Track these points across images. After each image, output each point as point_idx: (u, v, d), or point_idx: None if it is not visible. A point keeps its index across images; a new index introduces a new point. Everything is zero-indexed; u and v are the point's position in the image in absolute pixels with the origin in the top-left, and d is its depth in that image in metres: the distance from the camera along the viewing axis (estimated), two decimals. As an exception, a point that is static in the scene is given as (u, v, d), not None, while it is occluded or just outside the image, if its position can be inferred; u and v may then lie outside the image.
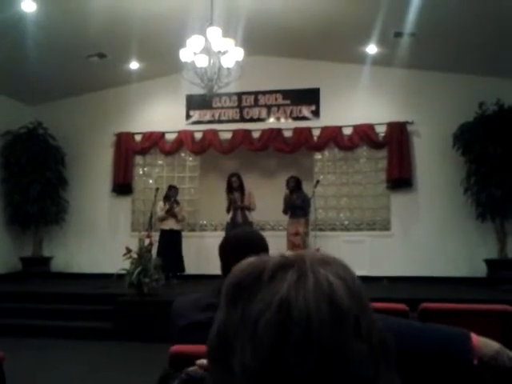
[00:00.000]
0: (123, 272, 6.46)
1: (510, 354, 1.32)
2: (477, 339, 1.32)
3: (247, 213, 7.95)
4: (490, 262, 7.73)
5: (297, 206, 7.76)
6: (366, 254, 8.24)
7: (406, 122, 8.43)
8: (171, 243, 7.93)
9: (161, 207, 8.18)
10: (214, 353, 0.56)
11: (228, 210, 8.03)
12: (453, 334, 1.37)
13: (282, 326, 0.51)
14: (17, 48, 7.08)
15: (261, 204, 8.06)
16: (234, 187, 8.01)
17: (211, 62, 5.98)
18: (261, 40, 7.78)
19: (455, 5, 6.14)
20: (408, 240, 8.26)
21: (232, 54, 5.89)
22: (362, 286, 0.57)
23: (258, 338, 0.52)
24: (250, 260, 0.59)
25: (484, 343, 1.33)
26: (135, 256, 6.53)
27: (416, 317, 2.51)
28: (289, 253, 0.58)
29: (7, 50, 7.12)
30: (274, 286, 0.53)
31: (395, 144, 8.42)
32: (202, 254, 8.38)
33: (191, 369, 1.20)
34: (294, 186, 7.94)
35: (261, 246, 1.91)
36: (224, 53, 5.83)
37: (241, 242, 1.98)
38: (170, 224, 8.10)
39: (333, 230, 8.72)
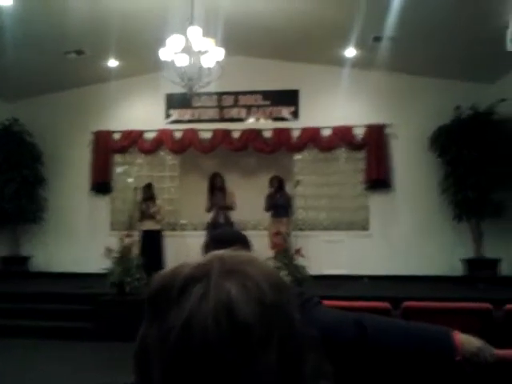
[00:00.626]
0: (105, 271, 6.40)
1: (491, 350, 1.37)
2: (459, 336, 1.36)
3: (228, 213, 7.92)
4: (466, 262, 7.91)
5: (280, 205, 7.78)
6: (346, 254, 8.34)
7: (384, 125, 8.56)
8: (151, 243, 7.88)
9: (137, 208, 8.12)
10: (137, 365, 0.57)
11: (208, 210, 7.99)
12: (436, 332, 1.40)
13: (185, 347, 0.50)
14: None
15: (241, 203, 8.06)
16: (217, 187, 7.97)
17: (191, 61, 5.95)
18: (241, 40, 7.79)
19: (433, 11, 6.24)
20: (386, 240, 8.39)
21: (212, 54, 5.88)
22: (279, 290, 0.55)
23: (166, 358, 0.52)
24: (165, 272, 0.58)
25: (466, 340, 1.37)
26: (116, 255, 6.47)
27: (398, 315, 2.56)
28: (202, 262, 0.57)
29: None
30: (182, 303, 0.52)
31: (373, 146, 8.54)
32: (183, 253, 8.33)
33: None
34: (278, 185, 7.96)
35: (244, 246, 1.92)
36: (204, 52, 5.82)
37: (224, 241, 1.99)
38: (148, 225, 8.04)
39: (312, 229, 8.78)
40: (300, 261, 6.24)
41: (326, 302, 1.74)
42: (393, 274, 7.95)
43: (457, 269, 7.92)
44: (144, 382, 0.56)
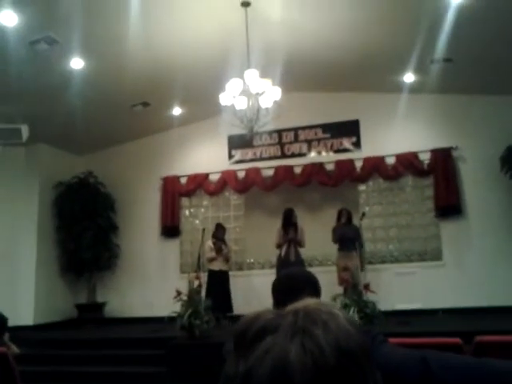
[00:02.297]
0: (174, 315, 6.50)
1: None
2: (535, 374, 1.28)
3: (298, 249, 7.81)
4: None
5: (348, 238, 7.49)
6: (419, 286, 8.00)
7: (451, 148, 8.28)
8: (220, 283, 7.91)
9: (210, 247, 8.17)
10: None
11: (279, 246, 7.82)
12: (509, 370, 1.32)
13: None
14: (66, 102, 7.49)
15: (308, 239, 7.96)
16: (291, 223, 7.79)
17: (250, 103, 6.11)
18: (298, 77, 7.92)
19: (489, 26, 6.09)
20: (461, 269, 7.98)
21: (270, 94, 6.01)
22: (347, 354, 0.53)
23: None
24: (248, 316, 0.59)
25: (543, 378, 1.28)
26: (185, 298, 6.57)
27: (471, 351, 2.40)
28: (279, 313, 0.58)
29: (57, 105, 7.56)
30: (250, 354, 0.53)
31: (441, 171, 8.25)
32: (251, 293, 8.35)
33: None
34: (347, 217, 7.80)
35: (312, 288, 1.92)
36: (262, 93, 5.96)
37: (293, 281, 1.99)
38: (219, 265, 8.07)
39: (383, 262, 8.53)
40: (370, 296, 6.06)
41: (393, 340, 1.69)
42: (470, 306, 7.50)
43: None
44: None
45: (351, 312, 5.61)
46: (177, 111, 8.91)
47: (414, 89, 8.10)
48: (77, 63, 6.61)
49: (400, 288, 7.99)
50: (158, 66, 7.00)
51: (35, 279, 8.64)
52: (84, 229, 9.09)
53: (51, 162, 9.25)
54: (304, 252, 7.97)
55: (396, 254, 8.59)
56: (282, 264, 7.45)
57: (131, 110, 8.35)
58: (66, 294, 9.30)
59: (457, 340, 2.53)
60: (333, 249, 7.94)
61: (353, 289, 6.01)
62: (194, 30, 6.34)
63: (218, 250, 8.06)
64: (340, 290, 7.04)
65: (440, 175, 8.25)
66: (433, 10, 5.81)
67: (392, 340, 1.64)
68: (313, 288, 1.90)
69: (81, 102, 7.45)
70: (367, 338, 1.45)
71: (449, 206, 8.14)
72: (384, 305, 6.38)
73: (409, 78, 7.82)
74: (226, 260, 8.17)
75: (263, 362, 0.52)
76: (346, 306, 5.72)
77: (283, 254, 7.73)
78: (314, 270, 2.10)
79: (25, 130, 7.56)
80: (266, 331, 0.55)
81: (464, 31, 6.11)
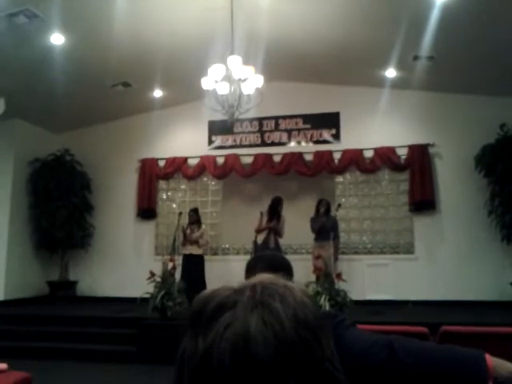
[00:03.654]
0: (147, 296, 6.53)
1: (524, 375, 1.33)
2: (491, 360, 1.34)
3: (278, 238, 7.82)
4: (517, 285, 7.58)
5: (326, 229, 7.53)
6: (390, 278, 8.17)
7: (428, 144, 8.42)
8: (193, 267, 7.92)
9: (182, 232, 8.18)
10: (175, 374, 0.61)
11: (259, 231, 7.78)
12: (467, 355, 1.38)
13: (203, 374, 0.52)
14: (45, 79, 7.35)
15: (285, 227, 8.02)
16: (277, 212, 7.78)
17: (232, 89, 6.10)
18: (280, 66, 7.93)
19: (473, 26, 6.18)
20: (432, 263, 8.17)
21: (252, 81, 6.00)
22: (306, 327, 0.54)
23: (189, 378, 0.54)
24: (204, 294, 0.59)
25: (499, 364, 1.34)
26: (159, 280, 6.59)
27: (437, 340, 2.48)
28: (236, 288, 0.58)
29: (35, 80, 7.41)
30: (208, 331, 0.54)
31: (417, 166, 8.39)
32: (225, 277, 8.38)
33: None
34: (326, 208, 7.86)
35: (286, 271, 1.95)
36: (244, 80, 5.95)
37: (269, 262, 2.02)
38: (189, 249, 8.09)
39: (356, 253, 8.67)
40: (342, 285, 6.17)
41: (363, 327, 1.74)
42: (439, 299, 7.71)
43: (507, 293, 7.56)
44: None
45: (322, 300, 5.70)
46: (158, 93, 8.83)
47: (396, 84, 8.19)
48: (57, 39, 6.48)
49: (372, 279, 8.15)
50: (141, 47, 6.91)
51: (6, 255, 8.54)
52: (58, 207, 8.99)
53: (27, 138, 9.08)
54: (279, 240, 8.02)
55: (369, 246, 8.74)
56: (261, 250, 7.46)
57: (112, 89, 8.24)
58: (38, 270, 9.21)
59: (424, 329, 2.63)
60: (307, 238, 7.99)
61: (325, 277, 6.11)
62: (179, 12, 6.27)
63: (184, 235, 8.04)
64: (313, 278, 7.14)
65: (416, 170, 8.39)
66: (417, 8, 5.87)
67: (362, 327, 1.69)
68: (287, 272, 1.94)
69: (60, 79, 7.31)
70: (332, 320, 1.49)
71: (423, 201, 8.30)
72: (356, 295, 6.50)
73: (391, 73, 7.89)
74: (197, 244, 8.12)
75: (223, 338, 0.52)
76: (317, 294, 5.81)
77: (262, 240, 7.75)
78: (288, 257, 2.14)
79: (1, 104, 7.40)
80: (224, 307, 0.55)
81: (447, 31, 6.20)
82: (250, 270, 2.04)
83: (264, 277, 0.60)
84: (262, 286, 0.57)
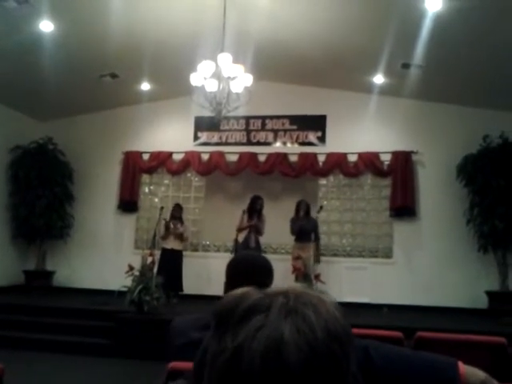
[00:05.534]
0: (125, 289, 6.49)
1: (495, 383, 1.37)
2: (463, 367, 1.37)
3: (258, 237, 7.87)
4: (491, 294, 7.71)
5: (306, 230, 7.63)
6: (368, 281, 8.26)
7: (411, 152, 8.52)
8: (172, 262, 7.91)
9: (164, 225, 8.14)
10: (195, 373, 0.61)
11: (240, 230, 7.86)
12: (440, 362, 1.41)
13: (231, 373, 0.52)
14: (32, 65, 7.26)
15: (265, 227, 8.05)
16: (256, 210, 7.88)
17: (220, 86, 6.10)
18: (270, 66, 7.94)
19: (462, 39, 6.28)
20: (409, 268, 8.28)
21: (241, 80, 6.01)
22: (336, 340, 0.54)
23: (214, 376, 0.54)
24: (235, 293, 0.60)
25: (471, 372, 1.37)
26: (137, 274, 6.57)
27: (412, 345, 2.53)
28: (269, 293, 0.58)
29: (22, 67, 7.31)
30: (239, 330, 0.54)
31: (400, 173, 8.49)
32: (204, 274, 8.41)
33: (177, 381, 1.26)
34: (306, 209, 7.91)
35: (267, 273, 1.97)
36: (233, 78, 5.96)
37: (250, 264, 2.03)
38: (172, 243, 8.08)
39: (335, 255, 8.74)
40: (320, 286, 6.22)
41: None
42: (415, 304, 7.80)
43: (481, 301, 7.71)
44: None
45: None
46: (145, 86, 8.77)
47: (384, 91, 8.27)
48: (46, 26, 6.40)
49: (349, 281, 8.22)
50: (131, 39, 6.86)
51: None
52: (39, 196, 8.88)
53: (9, 125, 8.91)
54: (260, 239, 8.07)
55: (348, 249, 8.82)
56: (242, 249, 7.50)
57: (99, 80, 8.16)
58: (14, 259, 9.06)
59: (399, 334, 2.67)
60: (288, 238, 8.04)
61: (304, 278, 6.16)
62: (170, 5, 6.24)
63: (167, 229, 8.02)
64: (292, 278, 7.18)
65: (398, 177, 8.49)
66: (409, 16, 5.93)
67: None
68: (268, 273, 1.96)
69: (48, 67, 7.22)
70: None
71: (404, 207, 8.40)
72: (333, 296, 6.53)
73: (379, 79, 7.96)
74: (181, 239, 8.14)
75: (254, 341, 0.52)
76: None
77: (243, 239, 7.80)
78: (268, 256, 2.16)
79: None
80: (257, 310, 0.55)
81: (437, 41, 6.27)
82: (231, 270, 2.05)
83: (295, 286, 0.61)
84: (295, 294, 0.57)
